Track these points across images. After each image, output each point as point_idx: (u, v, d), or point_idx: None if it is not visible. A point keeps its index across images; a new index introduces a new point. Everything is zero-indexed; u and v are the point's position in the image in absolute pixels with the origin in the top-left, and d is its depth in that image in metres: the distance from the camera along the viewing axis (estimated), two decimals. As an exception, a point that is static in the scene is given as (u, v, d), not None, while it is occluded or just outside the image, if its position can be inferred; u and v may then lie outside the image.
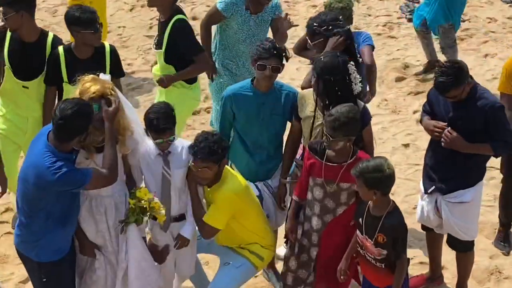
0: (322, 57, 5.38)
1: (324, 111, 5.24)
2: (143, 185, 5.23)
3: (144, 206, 4.92)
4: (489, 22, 10.33)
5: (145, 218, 5.05)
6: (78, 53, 6.14)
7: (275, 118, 5.54)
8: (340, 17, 5.96)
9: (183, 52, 6.49)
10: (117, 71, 6.12)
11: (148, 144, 5.24)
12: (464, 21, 10.24)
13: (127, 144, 5.01)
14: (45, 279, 5.01)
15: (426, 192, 5.62)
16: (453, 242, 5.70)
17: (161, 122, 5.04)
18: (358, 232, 4.94)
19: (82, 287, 5.25)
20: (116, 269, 5.18)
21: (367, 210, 4.84)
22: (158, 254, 5.29)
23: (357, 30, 6.87)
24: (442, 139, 5.28)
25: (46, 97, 6.33)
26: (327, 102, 5.20)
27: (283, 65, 5.53)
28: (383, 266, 4.90)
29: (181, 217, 5.31)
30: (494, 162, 7.08)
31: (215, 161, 4.95)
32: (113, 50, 6.28)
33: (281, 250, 5.99)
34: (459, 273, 5.89)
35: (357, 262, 5.16)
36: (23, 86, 6.18)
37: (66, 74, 6.13)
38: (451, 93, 5.20)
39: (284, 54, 5.50)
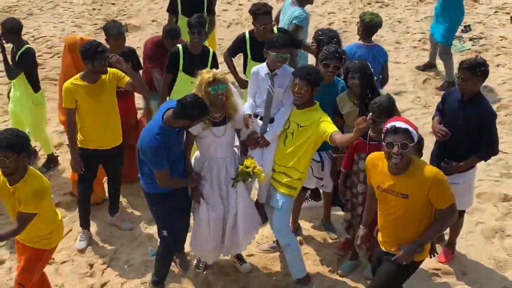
0: (355, 61, 5.45)
1: (360, 105, 5.29)
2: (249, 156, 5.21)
3: (249, 172, 5.01)
4: (501, 40, 10.19)
5: (250, 179, 5.11)
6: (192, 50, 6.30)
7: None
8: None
9: None
10: (214, 67, 6.04)
11: (260, 68, 5.35)
12: (481, 38, 10.26)
13: (236, 121, 5.07)
14: (153, 208, 5.19)
15: None
16: None
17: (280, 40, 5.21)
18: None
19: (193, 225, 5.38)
20: (220, 214, 5.19)
21: None
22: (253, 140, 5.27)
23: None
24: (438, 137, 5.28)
25: (164, 80, 6.42)
26: (369, 96, 5.20)
27: (342, 65, 5.49)
28: None
29: (272, 120, 5.29)
30: (501, 147, 7.24)
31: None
32: (214, 53, 6.46)
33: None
34: (451, 233, 5.78)
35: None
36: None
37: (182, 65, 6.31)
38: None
39: (344, 56, 5.50)
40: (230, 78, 6.37)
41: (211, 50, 6.45)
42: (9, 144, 4.34)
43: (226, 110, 5.02)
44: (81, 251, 6.00)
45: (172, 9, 7.83)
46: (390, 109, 4.88)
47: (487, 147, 5.26)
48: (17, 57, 6.54)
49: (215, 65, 6.29)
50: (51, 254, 5.05)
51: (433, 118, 5.56)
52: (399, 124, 4.17)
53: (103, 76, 5.61)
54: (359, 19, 6.60)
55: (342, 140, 4.88)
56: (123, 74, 5.71)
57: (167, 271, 5.39)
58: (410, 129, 4.17)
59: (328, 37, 5.95)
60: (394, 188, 4.27)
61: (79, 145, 5.77)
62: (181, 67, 6.35)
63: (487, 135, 5.20)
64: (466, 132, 5.17)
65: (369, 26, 6.44)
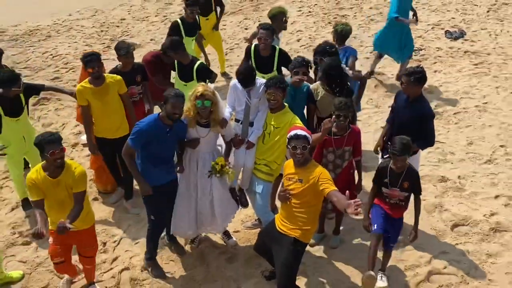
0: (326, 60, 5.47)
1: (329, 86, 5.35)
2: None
3: (217, 168, 5.00)
4: (437, 50, 10.25)
5: (224, 176, 5.11)
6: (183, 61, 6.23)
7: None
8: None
9: None
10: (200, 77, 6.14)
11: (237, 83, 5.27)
12: (421, 49, 10.31)
13: (219, 128, 5.01)
14: (143, 196, 5.03)
15: (383, 157, 5.64)
16: None
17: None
18: (384, 190, 4.91)
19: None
20: (197, 202, 5.19)
21: (389, 173, 4.82)
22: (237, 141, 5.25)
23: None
24: None
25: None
26: (337, 81, 5.31)
27: (309, 71, 5.54)
28: (403, 204, 4.96)
29: (251, 124, 5.29)
30: (439, 137, 7.34)
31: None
32: (200, 67, 6.20)
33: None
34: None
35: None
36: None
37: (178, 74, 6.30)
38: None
39: (309, 64, 5.50)
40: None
41: (197, 63, 6.29)
42: (60, 139, 4.45)
43: (210, 118, 4.98)
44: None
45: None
46: (349, 109, 4.95)
47: (425, 140, 5.33)
48: None
49: (200, 76, 6.20)
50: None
51: (387, 121, 5.67)
52: (299, 132, 4.44)
53: (107, 81, 5.72)
54: (333, 30, 6.73)
55: (313, 139, 4.89)
56: (124, 84, 5.85)
57: (155, 248, 5.36)
58: (307, 135, 4.45)
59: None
60: (294, 175, 4.50)
61: (94, 134, 5.93)
62: (177, 74, 6.41)
63: (425, 131, 5.26)
64: (409, 127, 5.20)
65: (341, 34, 6.62)
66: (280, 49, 6.36)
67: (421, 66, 5.46)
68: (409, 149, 4.73)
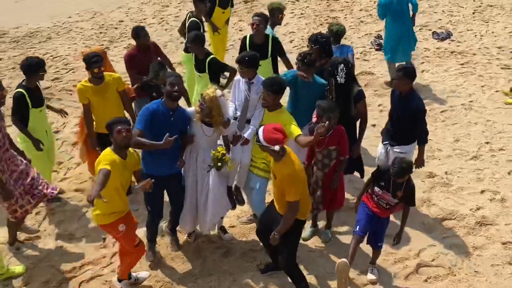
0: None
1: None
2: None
3: (218, 157, 4.97)
4: (425, 51, 10.22)
5: (224, 166, 5.02)
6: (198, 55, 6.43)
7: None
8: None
9: None
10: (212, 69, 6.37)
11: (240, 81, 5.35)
12: (409, 50, 10.46)
13: (221, 129, 5.03)
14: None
15: (382, 142, 5.73)
16: None
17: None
18: (376, 189, 4.83)
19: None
20: (193, 194, 5.20)
21: (392, 180, 4.70)
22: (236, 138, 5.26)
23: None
24: None
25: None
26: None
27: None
28: (389, 208, 4.90)
29: (248, 121, 5.35)
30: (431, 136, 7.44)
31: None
32: (212, 60, 6.38)
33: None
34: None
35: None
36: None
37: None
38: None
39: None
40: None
41: (210, 57, 6.42)
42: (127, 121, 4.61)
43: (211, 119, 4.98)
44: None
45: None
46: (337, 109, 5.02)
47: (420, 137, 5.45)
48: None
49: (212, 68, 6.36)
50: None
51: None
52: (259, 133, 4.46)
53: (106, 80, 5.78)
54: (328, 30, 6.78)
55: (305, 141, 4.90)
56: (122, 81, 5.96)
57: (153, 232, 5.41)
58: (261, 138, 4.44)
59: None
60: (273, 170, 4.60)
61: (95, 130, 5.97)
62: (194, 66, 6.68)
63: (416, 125, 5.36)
64: (401, 120, 5.36)
65: (337, 33, 6.69)
66: (273, 36, 6.53)
67: (411, 63, 5.55)
68: (409, 172, 4.67)
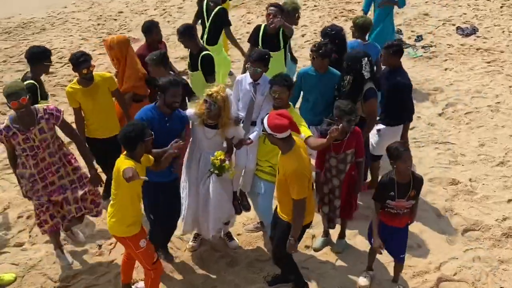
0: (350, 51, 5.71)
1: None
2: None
3: (215, 164, 4.88)
4: (448, 47, 10.26)
5: (224, 173, 4.96)
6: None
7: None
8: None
9: None
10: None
11: (243, 78, 5.38)
12: (432, 46, 10.30)
13: (226, 132, 5.00)
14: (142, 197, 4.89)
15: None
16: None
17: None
18: (389, 201, 4.70)
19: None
20: (194, 196, 5.23)
21: (397, 186, 4.64)
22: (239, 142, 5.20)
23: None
24: None
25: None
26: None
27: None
28: (407, 212, 4.79)
29: (253, 123, 5.38)
30: (449, 138, 7.37)
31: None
32: (204, 56, 6.27)
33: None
34: (372, 176, 6.37)
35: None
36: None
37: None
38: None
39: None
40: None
41: (204, 52, 6.32)
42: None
43: (218, 120, 4.96)
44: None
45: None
46: (356, 110, 5.04)
47: (401, 113, 5.85)
48: None
49: (204, 66, 6.29)
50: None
51: None
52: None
53: (96, 81, 5.70)
54: (353, 24, 6.70)
55: (315, 144, 4.88)
56: (114, 81, 5.88)
57: (161, 239, 5.40)
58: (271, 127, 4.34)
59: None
60: (278, 163, 4.54)
61: (86, 135, 5.91)
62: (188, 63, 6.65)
63: (402, 102, 5.78)
64: (388, 97, 5.79)
65: (363, 27, 6.58)
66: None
67: (399, 39, 5.73)
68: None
